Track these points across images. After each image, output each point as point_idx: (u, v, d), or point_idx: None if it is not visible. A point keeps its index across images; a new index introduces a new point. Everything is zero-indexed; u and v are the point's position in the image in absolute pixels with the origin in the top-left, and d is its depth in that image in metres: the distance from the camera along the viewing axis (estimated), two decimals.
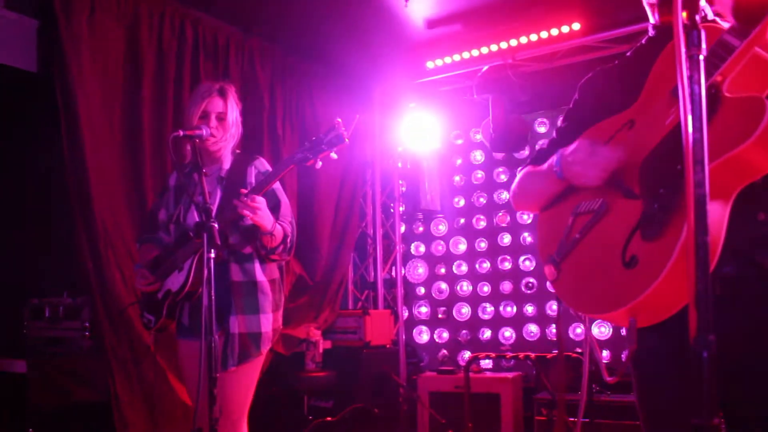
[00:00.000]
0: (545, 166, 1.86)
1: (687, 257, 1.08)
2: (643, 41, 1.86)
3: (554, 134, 1.99)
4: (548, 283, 1.78)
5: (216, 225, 2.43)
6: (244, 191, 2.61)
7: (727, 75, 1.44)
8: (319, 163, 2.52)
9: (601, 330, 5.63)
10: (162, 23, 4.39)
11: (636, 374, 1.74)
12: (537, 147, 1.97)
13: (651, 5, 1.76)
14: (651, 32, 1.82)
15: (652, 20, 1.78)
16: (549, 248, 1.79)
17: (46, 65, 3.89)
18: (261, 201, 2.62)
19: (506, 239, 6.27)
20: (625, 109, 1.73)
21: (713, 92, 1.42)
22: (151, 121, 4.24)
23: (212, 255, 2.40)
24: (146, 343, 3.92)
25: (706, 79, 1.18)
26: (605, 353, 5.49)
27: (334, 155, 2.52)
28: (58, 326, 3.96)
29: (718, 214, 1.38)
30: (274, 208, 2.85)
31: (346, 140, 2.49)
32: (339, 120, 2.49)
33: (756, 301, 1.54)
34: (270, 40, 5.25)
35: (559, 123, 2.01)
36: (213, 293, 2.38)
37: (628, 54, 1.91)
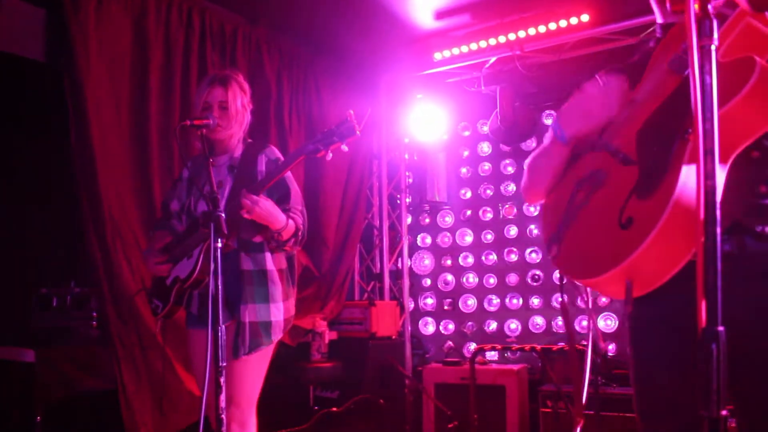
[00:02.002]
0: (546, 140, 1.87)
1: (696, 249, 1.07)
2: (651, 44, 1.84)
3: None
4: (552, 261, 1.77)
5: (223, 215, 2.43)
6: (243, 191, 2.60)
7: (720, 43, 1.43)
8: (330, 155, 2.51)
9: (608, 323, 5.63)
10: (169, 12, 4.39)
11: (632, 342, 1.74)
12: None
13: (658, 1, 1.74)
14: (658, 32, 1.81)
15: (659, 19, 1.77)
16: (551, 224, 1.79)
17: (53, 55, 3.89)
18: (258, 200, 2.60)
19: (513, 231, 6.26)
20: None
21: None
22: (158, 111, 4.25)
23: (219, 245, 2.40)
24: (153, 333, 3.94)
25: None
26: (611, 347, 5.49)
27: (345, 147, 2.50)
28: (66, 316, 3.98)
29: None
30: (284, 196, 2.85)
31: (358, 133, 2.48)
32: (351, 112, 2.48)
33: (757, 276, 1.52)
34: (277, 30, 5.24)
35: None
36: (221, 283, 2.38)
37: (636, 59, 1.89)
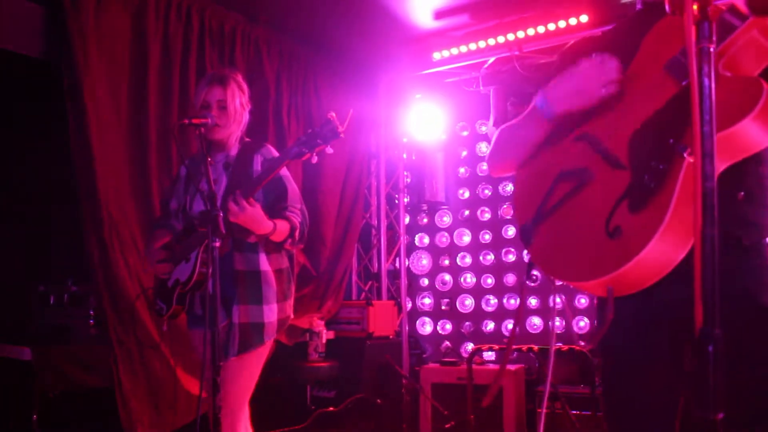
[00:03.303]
0: (525, 112, 1.79)
1: (694, 251, 1.07)
2: (631, 14, 1.84)
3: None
4: (525, 249, 1.75)
5: (221, 213, 2.43)
6: (233, 194, 2.58)
7: (723, 54, 1.43)
8: (315, 158, 2.49)
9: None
10: (168, 10, 4.39)
11: (608, 344, 1.71)
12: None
13: None
14: (639, 5, 1.80)
15: None
16: (527, 208, 1.74)
17: (51, 52, 3.89)
18: (245, 207, 2.59)
19: (510, 231, 6.26)
20: None
21: None
22: (156, 109, 4.24)
23: (217, 244, 2.40)
24: (150, 332, 3.94)
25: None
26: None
27: (329, 150, 2.48)
28: (64, 314, 3.98)
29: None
30: (281, 195, 2.84)
31: (341, 134, 2.45)
32: (333, 114, 2.46)
33: (733, 275, 1.52)
34: (276, 29, 5.24)
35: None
36: (218, 282, 2.37)
37: (615, 26, 1.88)
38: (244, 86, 3.01)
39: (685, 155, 1.39)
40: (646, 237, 1.38)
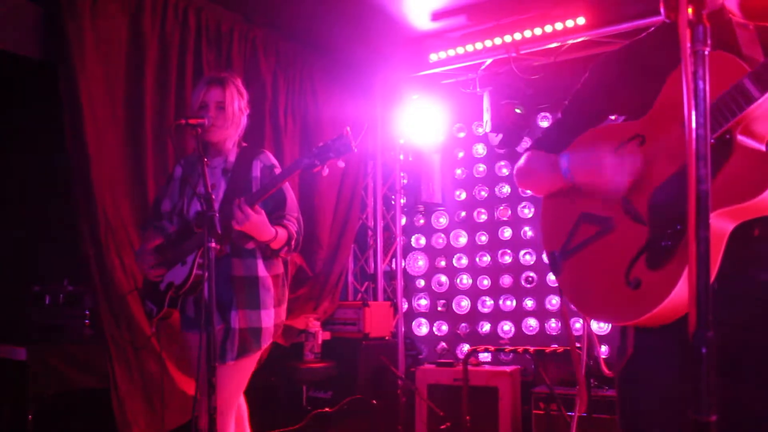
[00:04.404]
0: (553, 161, 1.86)
1: (689, 264, 1.08)
2: (652, 30, 1.85)
3: (559, 114, 1.99)
4: (555, 276, 1.84)
5: (216, 214, 2.43)
6: (238, 201, 2.58)
7: (742, 122, 1.46)
8: (326, 170, 2.48)
9: (600, 325, 5.64)
10: (165, 11, 4.38)
11: (629, 372, 1.75)
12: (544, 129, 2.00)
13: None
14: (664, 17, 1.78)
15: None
16: (553, 241, 1.86)
17: (49, 52, 3.88)
18: (251, 214, 2.57)
19: (507, 233, 6.27)
20: (629, 108, 1.76)
21: (728, 138, 1.46)
22: (153, 109, 4.24)
23: (213, 244, 2.40)
24: (146, 332, 3.93)
25: (723, 125, 1.36)
26: (603, 348, 5.50)
27: (341, 163, 2.47)
28: (59, 314, 3.97)
29: (716, 247, 1.47)
30: (280, 204, 2.85)
31: (354, 149, 2.44)
32: (348, 129, 2.45)
33: (744, 307, 1.58)
34: (273, 29, 5.24)
35: (566, 102, 2.00)
36: (214, 285, 2.37)
37: (636, 41, 1.88)
38: (243, 91, 3.01)
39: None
40: (664, 293, 1.49)
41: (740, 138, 1.46)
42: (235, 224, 2.57)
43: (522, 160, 2.02)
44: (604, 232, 1.71)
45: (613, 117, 1.91)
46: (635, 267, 1.59)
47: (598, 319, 1.76)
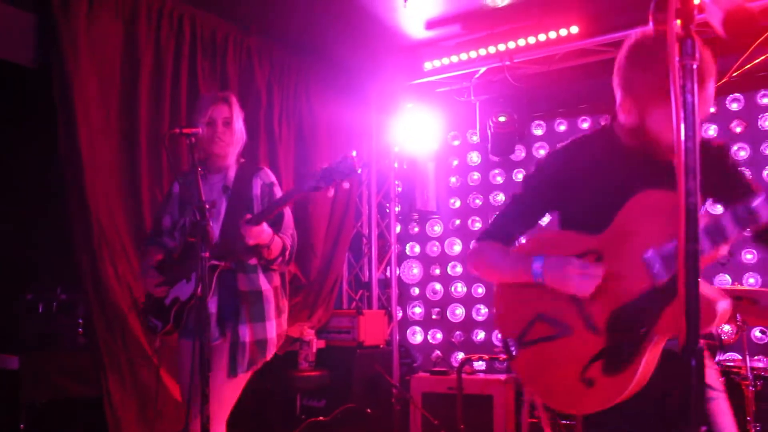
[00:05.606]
0: (517, 258, 1.99)
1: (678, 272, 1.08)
2: (603, 132, 2.01)
3: (511, 202, 2.12)
4: (509, 359, 2.01)
5: (210, 223, 2.45)
6: (248, 217, 2.67)
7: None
8: (332, 192, 2.53)
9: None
10: (160, 19, 4.39)
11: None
12: (495, 214, 2.21)
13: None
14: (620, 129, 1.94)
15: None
16: (508, 328, 2.01)
17: (43, 60, 3.88)
18: (261, 232, 2.68)
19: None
20: (582, 212, 1.94)
21: None
22: (147, 118, 4.24)
23: (206, 254, 2.42)
24: (139, 340, 3.92)
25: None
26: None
27: (346, 185, 2.51)
28: (52, 322, 3.96)
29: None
30: (278, 221, 2.91)
31: (359, 171, 2.50)
32: (354, 153, 2.50)
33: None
34: (268, 37, 5.25)
35: (519, 190, 2.12)
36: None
37: (584, 142, 2.02)
38: (240, 109, 3.08)
39: (651, 342, 1.72)
40: (617, 393, 1.73)
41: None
42: (250, 241, 2.67)
43: (477, 249, 2.14)
44: (561, 335, 1.88)
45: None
46: (591, 369, 1.79)
47: (554, 405, 1.96)
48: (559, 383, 1.87)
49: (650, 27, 1.77)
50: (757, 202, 1.60)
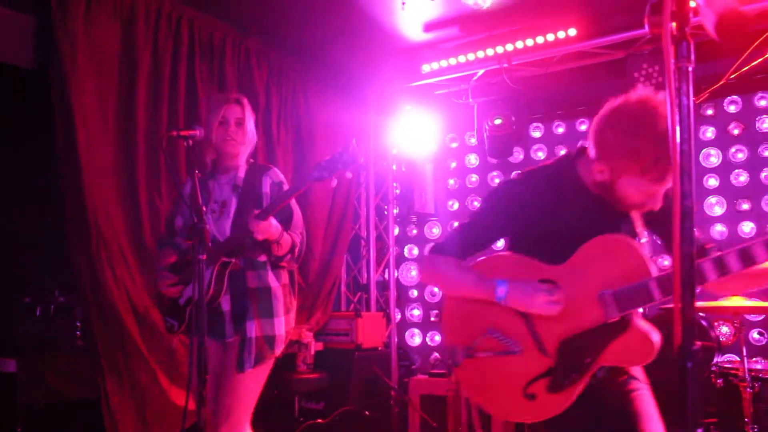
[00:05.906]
0: (478, 278, 2.08)
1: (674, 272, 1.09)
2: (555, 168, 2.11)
3: (468, 224, 2.18)
4: (453, 367, 2.14)
5: (207, 226, 2.47)
6: (256, 212, 2.72)
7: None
8: (335, 182, 2.59)
9: None
10: (158, 21, 4.39)
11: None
12: (452, 227, 2.37)
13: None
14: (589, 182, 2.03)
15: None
16: (456, 337, 2.13)
17: (42, 62, 3.88)
18: (268, 227, 2.74)
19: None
20: (536, 247, 2.04)
21: (628, 320, 1.90)
22: (145, 119, 4.24)
23: (203, 256, 2.44)
24: (137, 343, 3.92)
25: (626, 310, 1.89)
26: None
27: (349, 174, 2.59)
28: (50, 325, 3.95)
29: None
30: (287, 219, 2.95)
31: (361, 160, 2.57)
32: (354, 141, 2.58)
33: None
34: (266, 40, 5.25)
35: (477, 213, 2.22)
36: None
37: (538, 176, 2.12)
38: (252, 111, 3.13)
39: (593, 371, 1.93)
40: (557, 408, 1.95)
41: (635, 320, 1.90)
42: (259, 237, 2.74)
43: (432, 261, 2.19)
44: (510, 352, 2.02)
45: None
46: (534, 385, 1.97)
47: (495, 414, 2.24)
48: (502, 394, 2.04)
49: (634, 94, 1.87)
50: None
